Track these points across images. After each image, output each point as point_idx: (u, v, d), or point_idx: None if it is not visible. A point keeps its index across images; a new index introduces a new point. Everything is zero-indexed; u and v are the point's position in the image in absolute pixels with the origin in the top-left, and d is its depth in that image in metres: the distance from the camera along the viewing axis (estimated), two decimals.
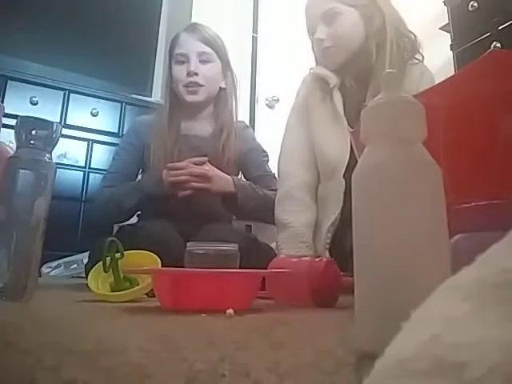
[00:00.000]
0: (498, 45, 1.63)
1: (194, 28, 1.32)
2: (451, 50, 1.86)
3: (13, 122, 0.61)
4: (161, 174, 1.15)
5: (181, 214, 1.16)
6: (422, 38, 1.10)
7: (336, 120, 1.05)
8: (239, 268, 0.71)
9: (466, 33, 1.79)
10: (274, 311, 0.64)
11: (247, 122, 1.71)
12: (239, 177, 1.32)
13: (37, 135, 0.60)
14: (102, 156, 2.17)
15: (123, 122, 2.26)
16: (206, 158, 1.16)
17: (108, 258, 0.75)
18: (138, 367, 0.25)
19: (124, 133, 1.70)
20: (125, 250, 0.78)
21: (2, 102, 1.91)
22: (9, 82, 2.00)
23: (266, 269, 0.75)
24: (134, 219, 1.29)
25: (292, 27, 1.79)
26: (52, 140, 0.62)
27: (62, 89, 2.14)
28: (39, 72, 2.13)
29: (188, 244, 0.72)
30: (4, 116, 0.75)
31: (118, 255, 0.76)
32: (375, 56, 1.03)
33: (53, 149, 0.62)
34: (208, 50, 1.29)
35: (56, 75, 2.16)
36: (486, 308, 0.13)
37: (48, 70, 2.19)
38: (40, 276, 0.94)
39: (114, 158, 1.34)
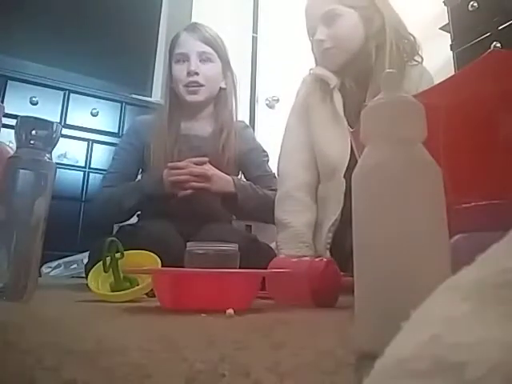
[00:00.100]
0: (498, 45, 1.63)
1: (194, 28, 1.32)
2: (451, 50, 1.86)
3: (13, 122, 0.61)
4: (161, 174, 1.15)
5: (181, 214, 1.16)
6: (422, 38, 1.11)
7: (336, 120, 1.05)
8: (239, 268, 0.71)
9: (466, 33, 1.79)
10: (274, 311, 0.64)
11: (247, 122, 1.71)
12: (239, 177, 1.32)
13: (37, 135, 0.60)
14: (101, 156, 2.17)
15: (123, 122, 2.26)
16: (206, 159, 1.16)
17: (108, 258, 0.75)
18: (138, 367, 0.25)
19: (124, 133, 1.70)
20: (125, 250, 0.78)
21: (2, 101, 1.91)
22: (9, 81, 2.00)
23: (265, 269, 0.75)
24: (134, 219, 1.29)
25: (292, 27, 1.79)
26: (52, 140, 0.62)
27: (62, 89, 2.14)
28: (39, 72, 2.13)
29: (188, 244, 0.72)
30: (4, 116, 0.75)
31: (118, 255, 0.76)
32: (375, 57, 1.03)
33: (53, 149, 0.62)
34: (208, 49, 1.29)
35: (56, 75, 2.16)
36: (486, 308, 0.13)
37: (48, 69, 2.19)
38: (40, 276, 0.94)
39: (113, 158, 1.33)
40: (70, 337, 0.36)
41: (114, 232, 1.18)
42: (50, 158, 0.62)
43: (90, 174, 2.13)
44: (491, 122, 0.50)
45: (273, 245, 1.11)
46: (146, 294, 0.76)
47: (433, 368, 0.12)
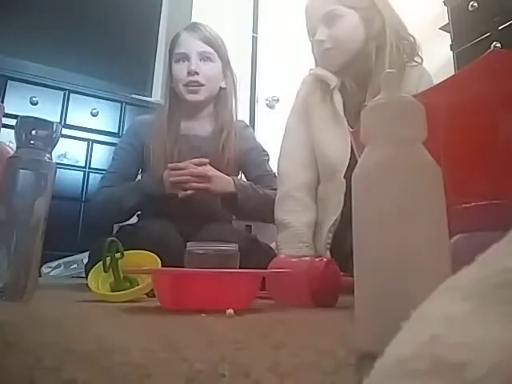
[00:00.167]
0: (498, 45, 1.63)
1: (194, 27, 1.32)
2: (451, 50, 1.86)
3: (13, 122, 0.61)
4: (161, 174, 1.15)
5: (181, 214, 1.16)
6: (422, 38, 1.11)
7: (336, 120, 1.05)
8: (239, 268, 0.71)
9: (466, 33, 1.80)
10: (274, 311, 0.64)
11: (247, 122, 1.71)
12: (239, 177, 1.32)
13: (37, 135, 0.60)
14: (102, 156, 2.17)
15: (123, 122, 2.26)
16: (207, 160, 1.15)
17: (108, 258, 0.75)
18: (137, 367, 0.25)
19: (123, 133, 1.70)
20: (125, 250, 0.78)
21: (2, 101, 1.91)
22: (9, 81, 2.00)
23: (265, 269, 0.75)
24: (134, 219, 1.29)
25: (292, 27, 1.79)
26: (52, 140, 0.62)
27: (62, 89, 2.14)
28: (39, 72, 2.13)
29: (188, 244, 0.72)
30: (4, 116, 0.75)
31: (118, 255, 0.76)
32: (375, 58, 1.03)
33: (53, 149, 0.62)
34: (208, 49, 1.29)
35: (56, 75, 2.16)
36: (486, 308, 0.13)
37: (48, 69, 2.19)
38: (40, 276, 0.94)
39: (113, 158, 1.33)
40: (70, 337, 0.36)
41: (114, 232, 1.18)
42: (50, 158, 0.62)
43: (90, 174, 2.13)
44: (491, 122, 0.50)
45: (273, 245, 1.11)
46: (146, 294, 0.76)
47: (433, 368, 0.12)
